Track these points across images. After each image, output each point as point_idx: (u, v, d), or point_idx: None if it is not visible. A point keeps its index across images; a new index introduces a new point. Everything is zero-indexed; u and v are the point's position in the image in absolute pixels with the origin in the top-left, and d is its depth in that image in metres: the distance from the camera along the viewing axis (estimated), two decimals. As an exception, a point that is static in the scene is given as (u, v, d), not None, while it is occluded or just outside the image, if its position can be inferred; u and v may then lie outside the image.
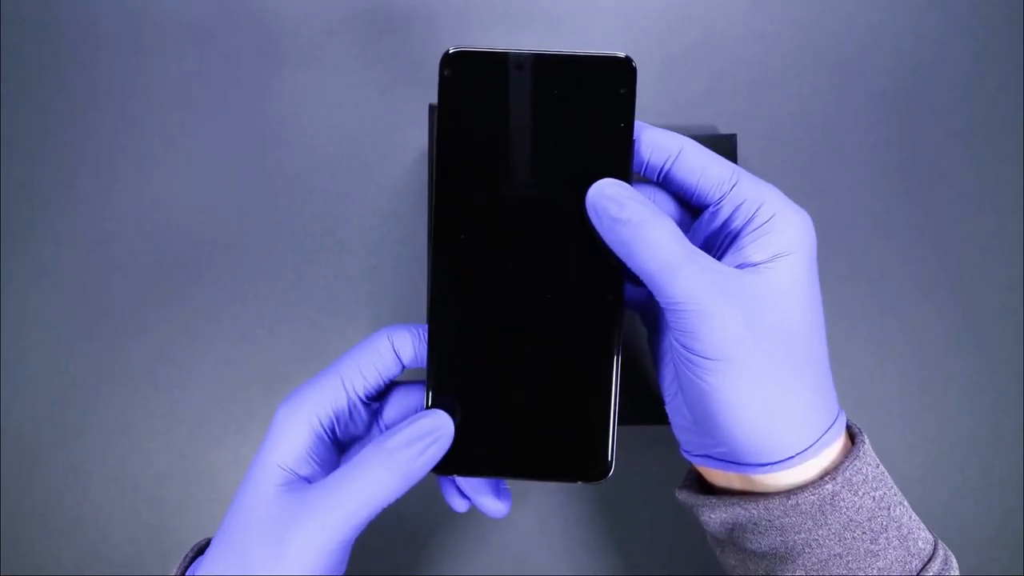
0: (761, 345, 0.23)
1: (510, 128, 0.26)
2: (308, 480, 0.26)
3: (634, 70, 0.26)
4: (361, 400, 0.28)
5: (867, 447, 0.26)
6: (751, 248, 0.25)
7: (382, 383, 0.28)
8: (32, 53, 0.45)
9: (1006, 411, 0.43)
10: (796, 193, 0.44)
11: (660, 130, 0.27)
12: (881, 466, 0.26)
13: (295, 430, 0.26)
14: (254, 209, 0.44)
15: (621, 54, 0.26)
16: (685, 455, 0.29)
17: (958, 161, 0.45)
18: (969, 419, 0.43)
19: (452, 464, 0.27)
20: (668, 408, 0.28)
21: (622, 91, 0.26)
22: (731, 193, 0.26)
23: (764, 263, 0.25)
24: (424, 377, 0.28)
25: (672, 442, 0.29)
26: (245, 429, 0.43)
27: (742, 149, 0.43)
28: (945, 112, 0.45)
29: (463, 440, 0.27)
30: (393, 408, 0.29)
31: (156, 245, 0.44)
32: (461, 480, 0.29)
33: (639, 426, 0.37)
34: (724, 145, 0.42)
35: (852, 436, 0.27)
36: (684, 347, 0.24)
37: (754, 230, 0.25)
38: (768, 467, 0.24)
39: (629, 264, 0.25)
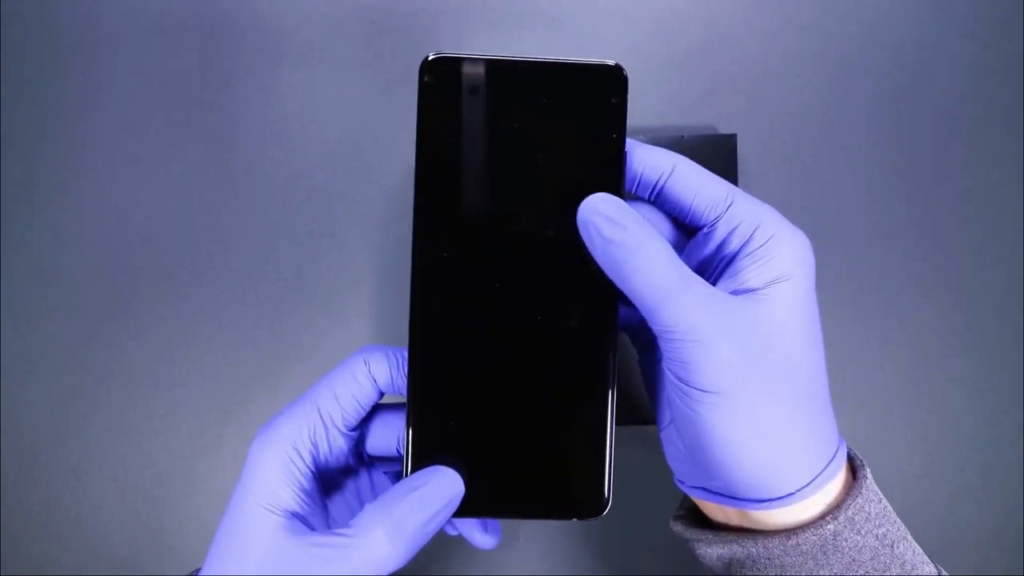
0: (759, 378, 0.22)
1: (495, 140, 0.25)
2: (302, 519, 0.25)
3: (625, 79, 0.25)
4: (340, 430, 0.26)
5: (869, 481, 0.25)
6: (748, 273, 0.24)
7: (361, 411, 0.27)
8: (32, 53, 0.45)
9: (1006, 411, 0.43)
10: (796, 193, 0.45)
11: (652, 147, 0.26)
12: (884, 500, 0.25)
13: (276, 464, 0.25)
14: (254, 209, 0.44)
15: (612, 62, 0.25)
16: (679, 485, 0.27)
17: (958, 161, 0.45)
18: (969, 419, 0.43)
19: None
20: (662, 437, 0.27)
21: (613, 100, 0.25)
22: (726, 214, 0.25)
23: (761, 289, 0.24)
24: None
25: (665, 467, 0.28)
26: (245, 429, 0.43)
27: (742, 149, 0.43)
28: (945, 112, 0.45)
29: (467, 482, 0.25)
30: (377, 435, 0.28)
31: (156, 245, 0.44)
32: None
33: (633, 426, 0.37)
34: (724, 145, 0.42)
35: (854, 468, 0.26)
36: (678, 377, 0.23)
37: (750, 253, 0.24)
38: (767, 503, 0.24)
39: (621, 288, 0.24)
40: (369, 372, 0.26)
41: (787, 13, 0.46)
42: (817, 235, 0.44)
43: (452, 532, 0.28)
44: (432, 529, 0.24)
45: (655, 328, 0.23)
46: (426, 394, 0.25)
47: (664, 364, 0.24)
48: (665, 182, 0.26)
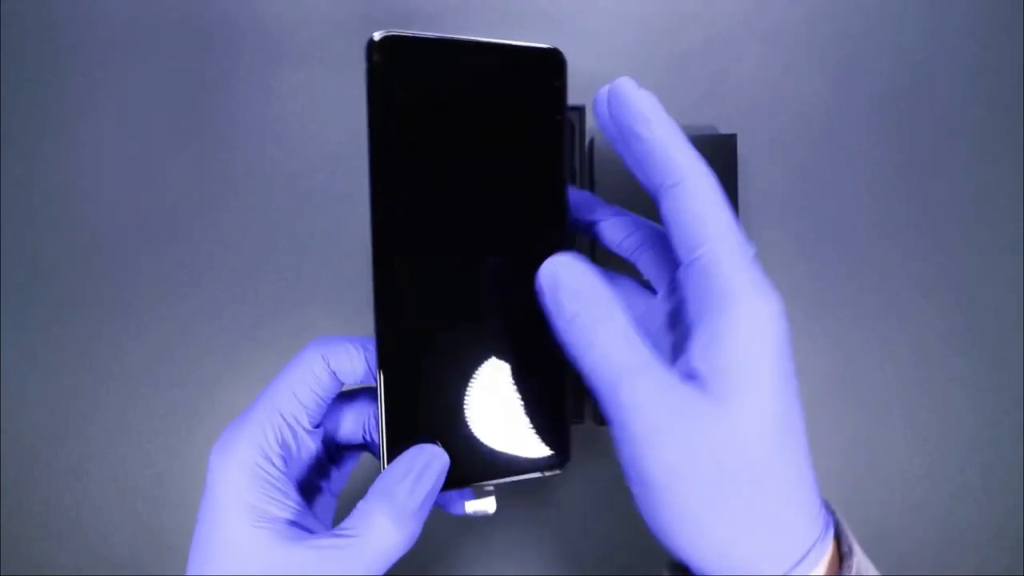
0: (702, 479, 0.20)
1: (444, 122, 0.25)
2: (294, 523, 0.24)
3: (563, 62, 0.26)
4: (306, 429, 0.25)
5: (858, 558, 0.22)
6: (699, 355, 0.21)
7: (323, 406, 0.26)
8: (32, 53, 0.45)
9: (1006, 411, 0.43)
10: (796, 193, 0.45)
11: (620, 219, 0.26)
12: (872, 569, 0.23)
13: (245, 478, 0.23)
14: (254, 209, 0.44)
15: (549, 46, 0.26)
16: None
17: (958, 161, 0.45)
18: (969, 419, 0.43)
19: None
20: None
21: (556, 84, 0.26)
22: (687, 274, 0.22)
23: (714, 376, 0.21)
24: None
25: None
26: (245, 429, 0.43)
27: (742, 149, 0.43)
28: (945, 112, 0.45)
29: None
30: (347, 423, 0.28)
31: (156, 245, 0.44)
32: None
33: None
34: (724, 145, 0.42)
35: (841, 551, 0.23)
36: (621, 462, 0.22)
37: (706, 328, 0.21)
38: None
39: (574, 363, 0.23)
40: (328, 366, 0.26)
41: (787, 13, 0.46)
42: (817, 235, 0.44)
43: (461, 509, 0.28)
44: (430, 506, 0.24)
45: (603, 412, 0.22)
46: (397, 376, 0.25)
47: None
48: (634, 251, 0.26)
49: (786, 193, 0.45)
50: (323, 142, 0.45)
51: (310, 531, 0.24)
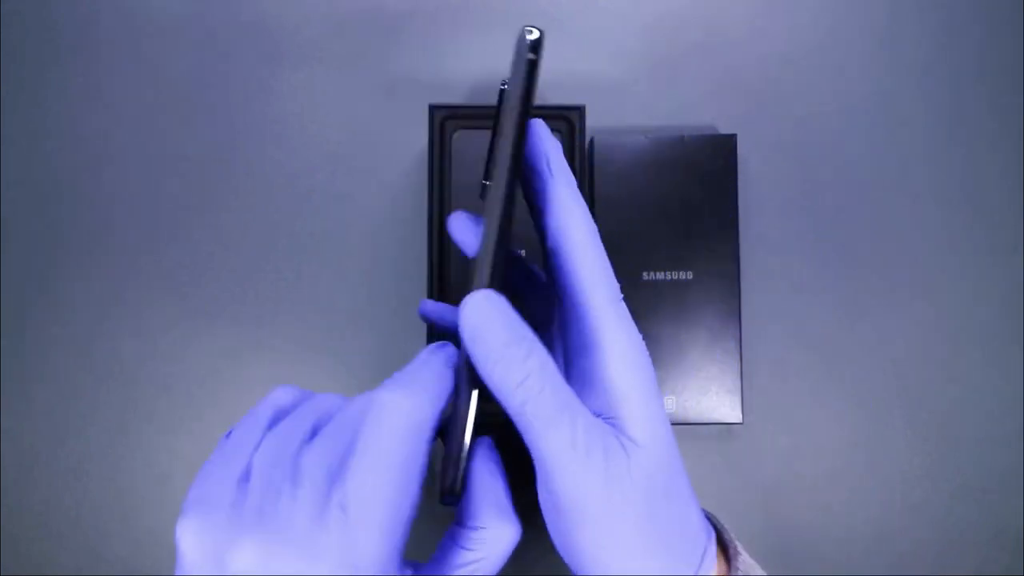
0: (609, 501, 0.22)
1: None
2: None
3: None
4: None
5: (743, 558, 0.25)
6: (596, 398, 0.24)
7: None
8: (32, 53, 0.45)
9: (1006, 411, 0.43)
10: (796, 193, 0.45)
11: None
12: (756, 569, 0.26)
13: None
14: (254, 209, 0.44)
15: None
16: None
17: (958, 161, 0.45)
18: (969, 419, 0.43)
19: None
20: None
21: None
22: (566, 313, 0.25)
23: (619, 419, 0.23)
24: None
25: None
26: (245, 429, 0.43)
27: (742, 149, 0.43)
28: (944, 112, 0.45)
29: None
30: None
31: (156, 245, 0.44)
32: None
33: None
34: (724, 145, 0.42)
35: (727, 554, 0.26)
36: (548, 494, 0.23)
37: (588, 363, 0.24)
38: None
39: (497, 395, 0.23)
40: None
41: (787, 14, 0.46)
42: (817, 235, 0.44)
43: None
44: (445, 387, 0.24)
45: (531, 449, 0.23)
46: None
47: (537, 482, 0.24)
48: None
49: (786, 193, 0.45)
50: (323, 142, 0.45)
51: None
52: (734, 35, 0.45)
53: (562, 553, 0.24)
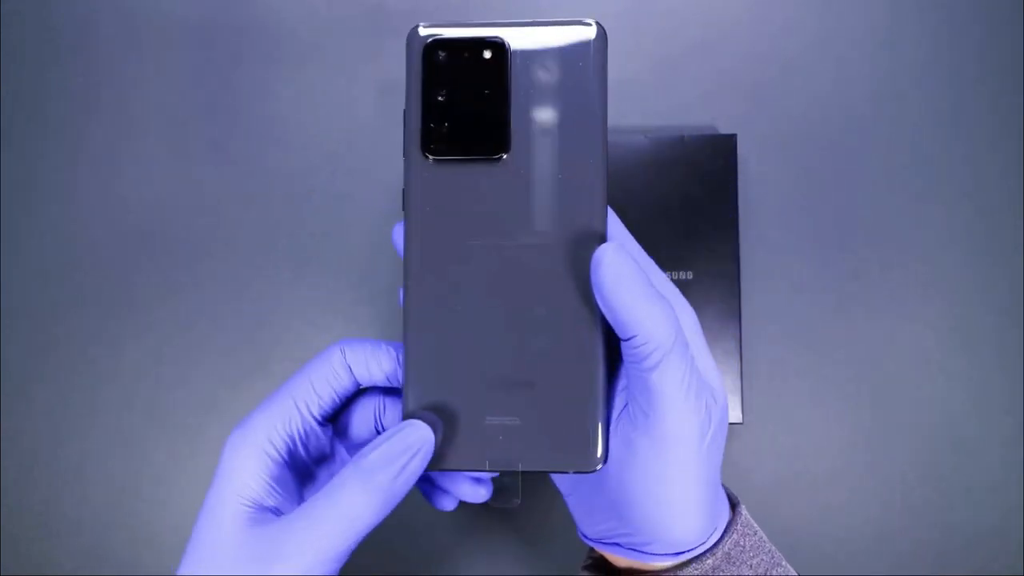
0: (703, 443, 0.25)
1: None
2: (275, 511, 0.25)
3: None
4: (317, 420, 0.26)
5: (744, 518, 0.28)
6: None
7: (337, 400, 0.27)
8: (32, 53, 0.45)
9: (1006, 411, 0.43)
10: (796, 193, 0.45)
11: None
12: (759, 532, 0.28)
13: (249, 458, 0.25)
14: (254, 209, 0.44)
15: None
16: (583, 538, 0.29)
17: (958, 161, 0.45)
18: (969, 419, 0.43)
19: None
20: (569, 497, 0.29)
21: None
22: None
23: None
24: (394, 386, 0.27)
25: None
26: (245, 429, 0.43)
27: (742, 149, 0.43)
28: (945, 112, 0.45)
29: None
30: (358, 422, 0.28)
31: (156, 245, 0.44)
32: (436, 475, 0.28)
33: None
34: (724, 145, 0.42)
35: (733, 505, 0.29)
36: (638, 426, 0.25)
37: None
38: (679, 555, 0.26)
39: (622, 329, 0.24)
40: (345, 360, 0.26)
41: (787, 13, 0.46)
42: (817, 235, 0.44)
43: (451, 506, 0.29)
44: (406, 478, 0.24)
45: (645, 373, 0.24)
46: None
47: (623, 417, 0.25)
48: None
49: (786, 193, 0.45)
50: (323, 142, 0.45)
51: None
52: (734, 35, 0.45)
53: (618, 498, 0.26)
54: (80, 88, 0.45)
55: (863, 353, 0.43)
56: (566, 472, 0.26)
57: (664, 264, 0.40)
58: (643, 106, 0.45)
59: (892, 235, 0.44)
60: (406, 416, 0.25)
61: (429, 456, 0.24)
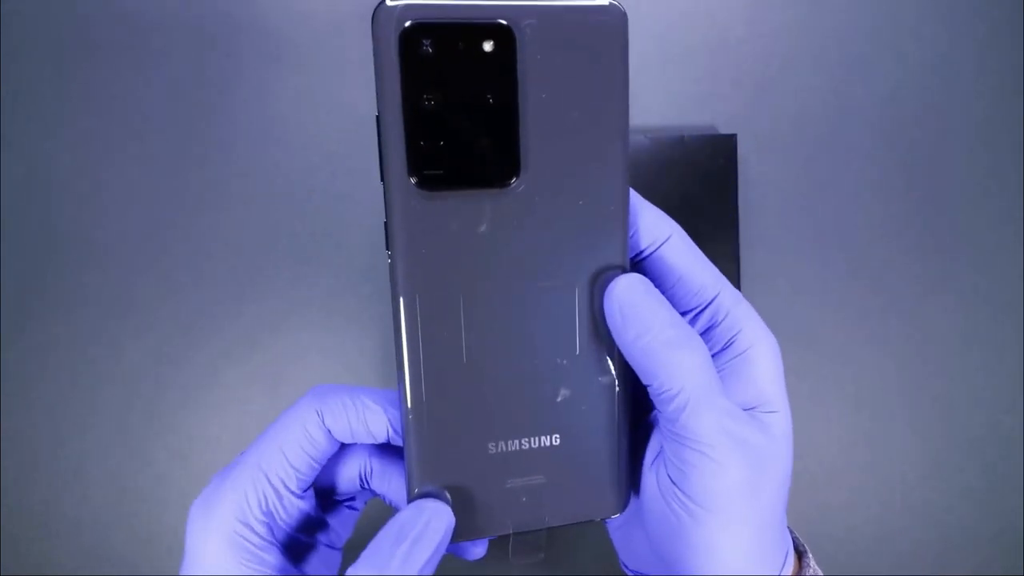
0: (752, 503, 0.22)
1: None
2: None
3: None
4: (295, 494, 0.23)
5: (812, 571, 0.25)
6: (735, 386, 0.23)
7: (316, 468, 0.23)
8: (32, 53, 0.45)
9: (1006, 411, 0.43)
10: (796, 193, 0.45)
11: (652, 208, 0.23)
12: None
13: (221, 543, 0.21)
14: (254, 209, 0.44)
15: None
16: (624, 569, 0.27)
17: (958, 161, 0.45)
18: (969, 419, 0.43)
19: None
20: (611, 525, 0.26)
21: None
22: (709, 307, 0.23)
23: (756, 409, 0.23)
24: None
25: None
26: (245, 429, 0.43)
27: (742, 149, 0.43)
28: (945, 112, 0.45)
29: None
30: (342, 479, 0.25)
31: (156, 245, 0.44)
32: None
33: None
34: (724, 145, 0.42)
35: (799, 552, 0.25)
36: (674, 481, 0.22)
37: (731, 360, 0.23)
38: None
39: (642, 374, 0.22)
40: (323, 423, 0.23)
41: (787, 13, 0.46)
42: (817, 235, 0.44)
43: (480, 554, 0.26)
44: (433, 568, 0.21)
45: (670, 424, 0.22)
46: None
47: (658, 464, 0.23)
48: (651, 253, 0.23)
49: (786, 193, 0.45)
50: (323, 142, 0.45)
51: None
52: (734, 35, 0.45)
53: (653, 555, 0.23)
54: (80, 88, 0.45)
55: (863, 353, 0.43)
56: (589, 521, 0.23)
57: (664, 264, 0.40)
58: (643, 106, 0.45)
59: (892, 235, 0.44)
60: (413, 495, 0.22)
61: (449, 537, 0.21)
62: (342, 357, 0.44)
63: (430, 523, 0.21)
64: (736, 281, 0.41)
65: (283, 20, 0.45)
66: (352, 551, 0.24)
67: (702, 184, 0.41)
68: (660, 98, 0.45)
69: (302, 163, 0.45)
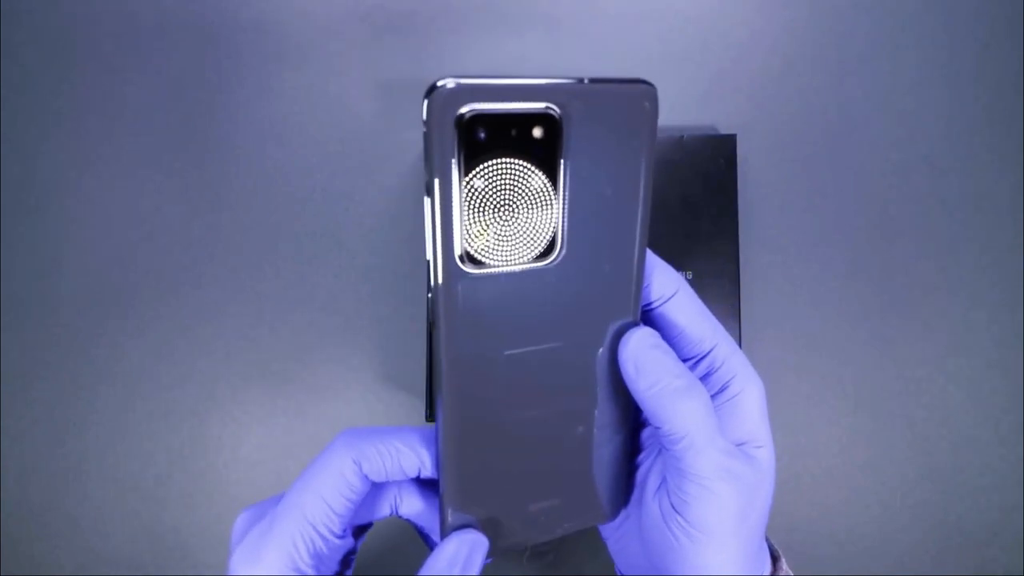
0: (742, 523, 0.25)
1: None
2: None
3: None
4: (338, 536, 0.25)
5: (784, 569, 0.28)
6: (729, 424, 0.26)
7: (354, 509, 0.25)
8: (32, 53, 0.45)
9: (1006, 411, 0.43)
10: (796, 193, 0.45)
11: (661, 263, 0.26)
12: None
13: None
14: (254, 209, 0.44)
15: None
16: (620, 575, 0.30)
17: (958, 161, 0.45)
18: (969, 419, 0.43)
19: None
20: (610, 536, 0.30)
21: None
22: (708, 356, 0.26)
23: (745, 444, 0.26)
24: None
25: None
26: (245, 429, 0.43)
27: (742, 149, 0.43)
28: (945, 112, 0.45)
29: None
30: (374, 509, 0.27)
31: (156, 245, 0.44)
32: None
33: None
34: (724, 145, 0.42)
35: (774, 558, 0.29)
36: (674, 507, 0.25)
37: (726, 402, 0.26)
38: None
39: (653, 418, 0.25)
40: (360, 470, 0.25)
41: (788, 13, 0.46)
42: (817, 235, 0.44)
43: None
44: None
45: (676, 461, 0.25)
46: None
47: (661, 493, 0.26)
48: (659, 306, 0.26)
49: (786, 193, 0.45)
50: (323, 142, 0.45)
51: None
52: (734, 35, 0.45)
53: (647, 565, 0.27)
54: (80, 88, 0.45)
55: (863, 353, 0.43)
56: (586, 527, 0.27)
57: (664, 264, 0.40)
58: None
59: (892, 235, 0.44)
60: (448, 524, 0.25)
61: (484, 559, 0.25)
62: (342, 357, 0.43)
63: (471, 555, 0.24)
64: (736, 281, 0.41)
65: (283, 19, 0.45)
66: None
67: (702, 184, 0.41)
68: (660, 98, 0.45)
69: (302, 163, 0.45)
